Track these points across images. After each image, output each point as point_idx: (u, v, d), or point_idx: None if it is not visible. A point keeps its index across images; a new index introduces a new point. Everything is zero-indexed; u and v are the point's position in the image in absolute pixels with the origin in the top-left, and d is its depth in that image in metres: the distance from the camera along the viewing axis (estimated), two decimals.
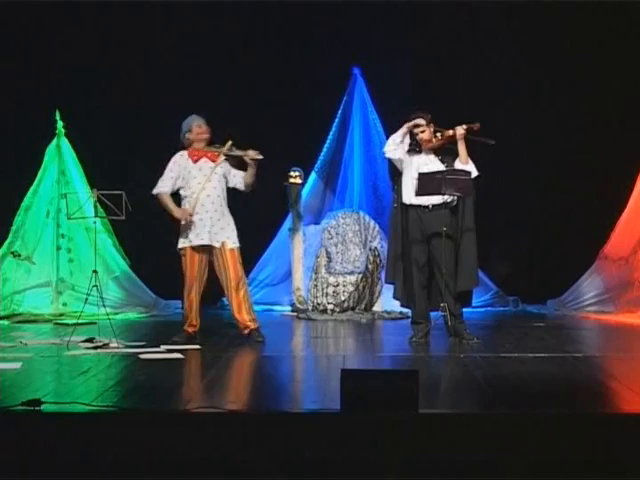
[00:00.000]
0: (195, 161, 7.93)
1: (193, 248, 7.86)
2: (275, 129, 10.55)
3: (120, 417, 5.01)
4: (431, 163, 7.86)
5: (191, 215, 7.81)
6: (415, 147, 7.90)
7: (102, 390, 5.69)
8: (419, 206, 7.84)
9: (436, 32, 10.69)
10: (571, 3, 10.32)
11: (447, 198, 7.78)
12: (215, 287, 8.20)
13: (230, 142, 7.96)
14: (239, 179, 8.01)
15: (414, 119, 7.86)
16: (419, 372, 5.02)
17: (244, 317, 7.90)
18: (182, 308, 8.10)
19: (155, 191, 7.95)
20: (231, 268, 7.84)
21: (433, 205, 7.82)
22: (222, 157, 7.95)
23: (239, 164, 8.06)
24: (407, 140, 7.87)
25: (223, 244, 7.84)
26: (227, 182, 7.99)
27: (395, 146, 7.86)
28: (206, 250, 7.88)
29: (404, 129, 7.87)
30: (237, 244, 7.89)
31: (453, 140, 7.84)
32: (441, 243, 7.71)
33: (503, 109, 10.39)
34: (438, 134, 7.86)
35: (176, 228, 7.99)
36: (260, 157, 7.90)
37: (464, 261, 7.83)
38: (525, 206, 10.77)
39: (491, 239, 9.11)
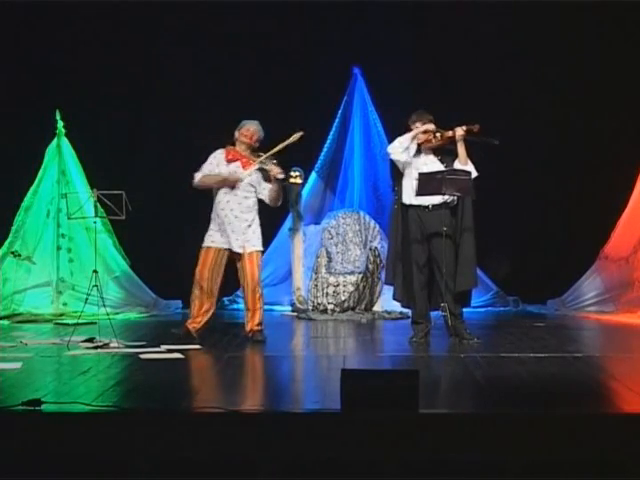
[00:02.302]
0: (229, 162, 7.98)
1: (209, 248, 7.91)
2: (275, 129, 10.54)
3: (120, 417, 5.01)
4: (431, 163, 7.86)
5: (234, 185, 7.86)
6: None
7: (102, 390, 5.69)
8: (419, 206, 7.84)
9: (436, 32, 10.69)
10: (571, 3, 10.32)
11: (447, 198, 7.77)
12: None
13: (268, 155, 7.95)
14: (266, 192, 8.02)
15: (419, 120, 7.85)
16: (419, 372, 5.02)
17: (255, 319, 7.94)
18: (188, 305, 8.15)
19: (195, 182, 8.00)
20: (249, 273, 7.89)
21: (433, 205, 7.81)
22: (254, 167, 7.94)
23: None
24: (414, 145, 7.85)
25: (244, 248, 7.88)
26: (257, 192, 8.01)
27: (402, 149, 7.80)
28: (225, 254, 7.92)
29: (413, 133, 7.82)
30: (257, 247, 7.95)
31: (452, 141, 7.83)
32: (441, 243, 7.70)
33: (503, 109, 10.39)
34: (437, 134, 7.85)
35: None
36: (281, 176, 7.95)
37: (463, 261, 7.81)
38: (525, 206, 10.77)
39: (491, 239, 9.11)
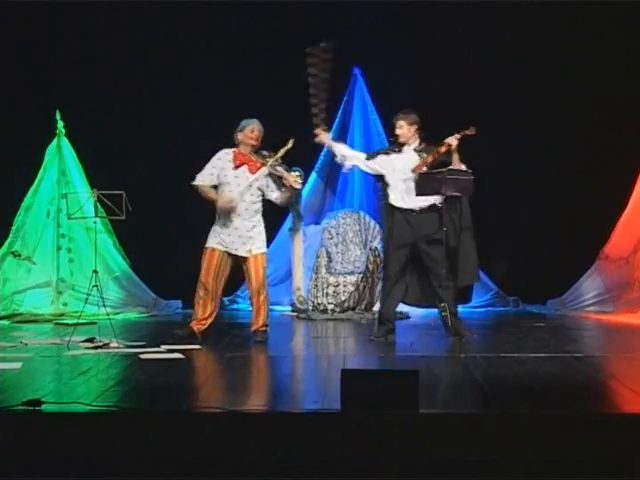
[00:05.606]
0: (236, 167, 7.87)
1: (214, 250, 7.86)
2: (275, 129, 10.54)
3: (120, 417, 5.01)
4: (413, 161, 7.80)
5: (233, 207, 7.77)
6: (395, 147, 7.88)
7: (102, 390, 5.69)
8: (406, 209, 7.79)
9: (436, 33, 10.68)
10: (571, 3, 10.32)
11: (436, 199, 7.69)
12: None
13: (279, 156, 7.87)
14: (276, 195, 7.95)
15: (403, 119, 7.81)
16: (419, 372, 5.02)
17: (259, 321, 7.92)
18: (189, 306, 8.15)
19: (195, 182, 7.93)
20: (253, 274, 7.85)
21: (421, 208, 7.77)
22: (264, 170, 7.86)
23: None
24: (347, 152, 8.03)
25: (250, 251, 7.84)
26: (264, 194, 7.93)
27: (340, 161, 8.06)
28: (230, 257, 7.88)
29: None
30: (262, 249, 7.89)
31: (448, 151, 7.72)
32: (432, 245, 7.67)
33: (503, 109, 10.39)
34: (430, 156, 7.72)
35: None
36: (298, 187, 7.92)
37: (464, 259, 7.78)
38: (525, 206, 10.77)
39: (491, 238, 9.10)
